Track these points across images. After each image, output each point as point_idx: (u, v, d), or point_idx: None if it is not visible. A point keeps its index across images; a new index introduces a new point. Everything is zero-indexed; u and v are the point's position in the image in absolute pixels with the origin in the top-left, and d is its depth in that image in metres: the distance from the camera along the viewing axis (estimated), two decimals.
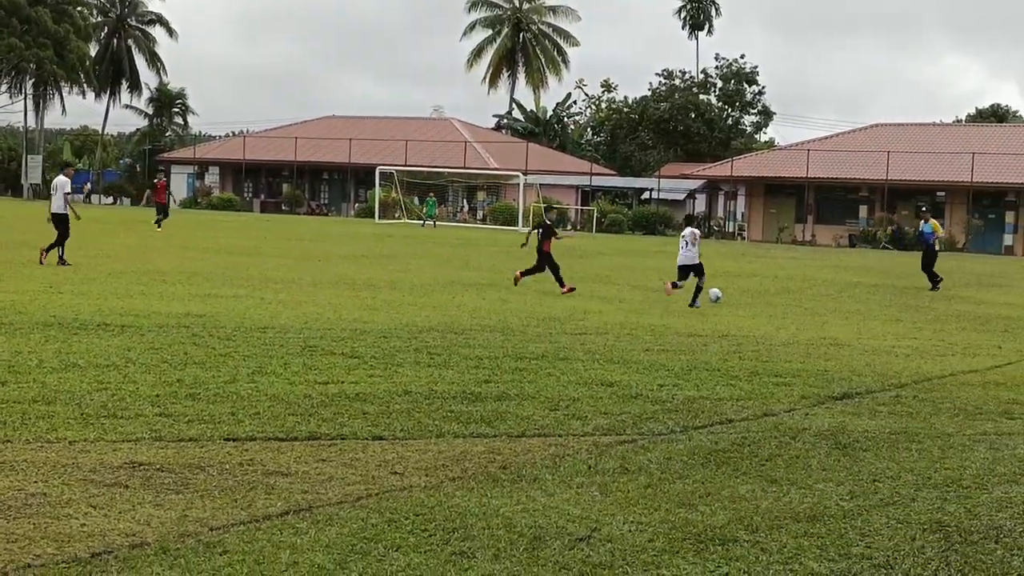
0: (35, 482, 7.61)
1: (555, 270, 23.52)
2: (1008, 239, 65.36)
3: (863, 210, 69.33)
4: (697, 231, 22.39)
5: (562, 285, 23.13)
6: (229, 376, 11.65)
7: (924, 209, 32.93)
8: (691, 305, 21.29)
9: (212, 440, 8.98)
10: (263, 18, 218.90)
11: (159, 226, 41.06)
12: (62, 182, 25.79)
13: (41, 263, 24.12)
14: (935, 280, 29.89)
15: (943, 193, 67.16)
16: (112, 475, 7.85)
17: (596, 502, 7.71)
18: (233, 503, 7.34)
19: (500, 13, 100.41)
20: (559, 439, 9.59)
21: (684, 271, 22.08)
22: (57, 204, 25.45)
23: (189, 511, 7.12)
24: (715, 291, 22.61)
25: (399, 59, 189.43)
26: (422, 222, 63.37)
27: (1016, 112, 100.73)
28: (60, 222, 25.17)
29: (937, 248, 30.93)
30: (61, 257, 24.54)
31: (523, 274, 23.92)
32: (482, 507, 7.45)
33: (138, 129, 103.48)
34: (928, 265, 30.24)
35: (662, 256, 41.18)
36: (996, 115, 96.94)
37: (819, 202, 70.81)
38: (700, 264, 21.97)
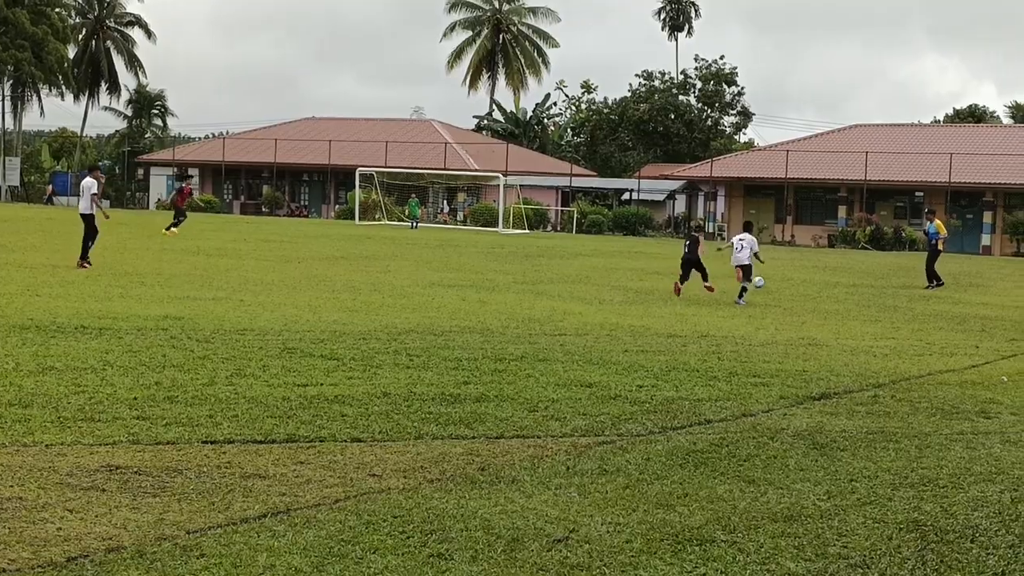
0: (11, 486, 7.57)
1: (703, 271, 24.50)
2: (986, 239, 65.67)
3: (842, 210, 69.55)
4: (754, 238, 24.76)
5: (679, 284, 24.19)
6: (207, 379, 11.63)
7: (928, 211, 34.63)
8: (738, 300, 23.08)
9: (190, 443, 8.96)
10: (244, 19, 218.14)
11: (175, 228, 40.86)
12: (88, 184, 26.10)
13: (85, 265, 24.36)
14: (932, 280, 30.72)
15: (921, 193, 67.45)
16: (89, 479, 7.82)
17: (574, 503, 7.72)
18: (210, 506, 7.32)
19: (480, 14, 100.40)
20: (538, 440, 9.60)
21: (737, 268, 24.06)
22: (84, 205, 25.75)
23: (166, 514, 7.11)
24: (759, 279, 24.66)
25: (381, 60, 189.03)
26: (411, 224, 63.47)
27: (993, 113, 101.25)
28: (86, 222, 25.38)
29: (940, 248, 31.84)
30: (84, 257, 24.78)
31: (679, 285, 24.30)
32: (460, 509, 7.45)
33: (117, 131, 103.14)
34: (930, 264, 31.28)
35: (643, 257, 41.29)
36: (974, 116, 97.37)
37: (798, 202, 71.06)
38: (750, 266, 23.92)
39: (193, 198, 43.82)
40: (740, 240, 24.32)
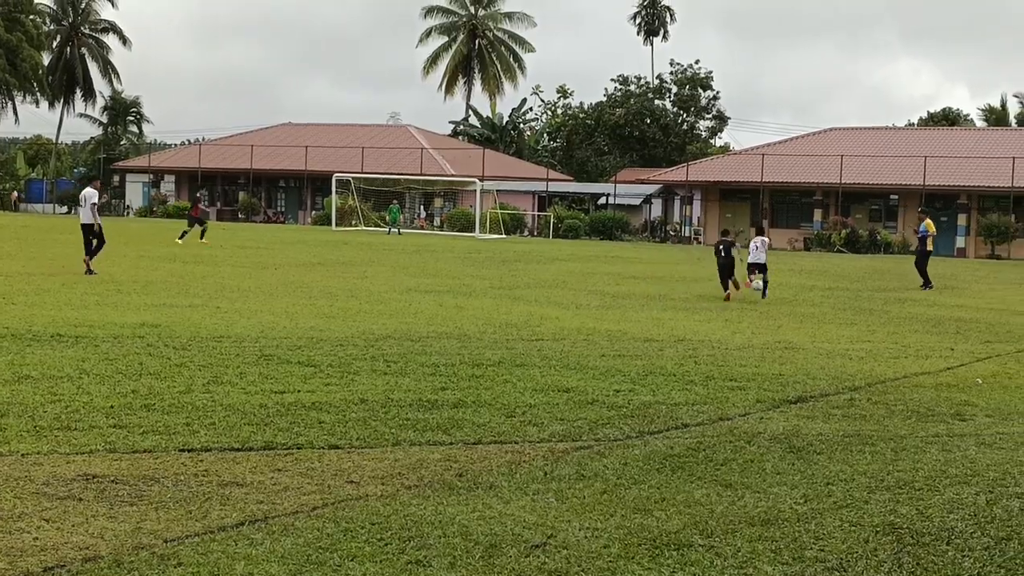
0: None
1: (729, 276, 26.11)
2: (960, 241, 66.03)
3: (817, 214, 69.88)
4: (768, 239, 27.38)
5: (725, 289, 25.91)
6: (184, 386, 11.60)
7: (921, 210, 36.34)
8: (763, 296, 25.62)
9: (167, 451, 8.94)
10: (220, 25, 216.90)
11: (202, 238, 41.80)
12: (89, 194, 26.44)
13: (91, 272, 24.79)
14: (925, 280, 31.65)
15: (896, 197, 67.82)
16: (65, 488, 7.80)
17: (552, 508, 7.73)
18: (188, 515, 7.31)
19: (455, 20, 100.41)
20: (515, 446, 9.61)
21: (752, 268, 26.31)
22: (85, 215, 26.01)
23: (143, 523, 7.09)
24: (759, 282, 26.49)
25: (357, 65, 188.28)
26: (387, 230, 63.67)
27: (967, 116, 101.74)
28: (90, 232, 25.73)
29: (929, 248, 32.84)
30: (88, 265, 25.29)
31: (732, 290, 25.96)
32: (438, 515, 7.46)
33: (92, 138, 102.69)
34: (920, 263, 32.38)
35: (619, 262, 41.34)
36: (947, 119, 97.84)
37: (774, 206, 71.33)
38: (765, 264, 26.33)
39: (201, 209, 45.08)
40: (754, 243, 26.68)
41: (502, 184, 74.94)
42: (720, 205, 73.21)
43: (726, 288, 25.71)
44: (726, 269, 25.92)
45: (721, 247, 26.24)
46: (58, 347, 13.91)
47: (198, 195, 47.83)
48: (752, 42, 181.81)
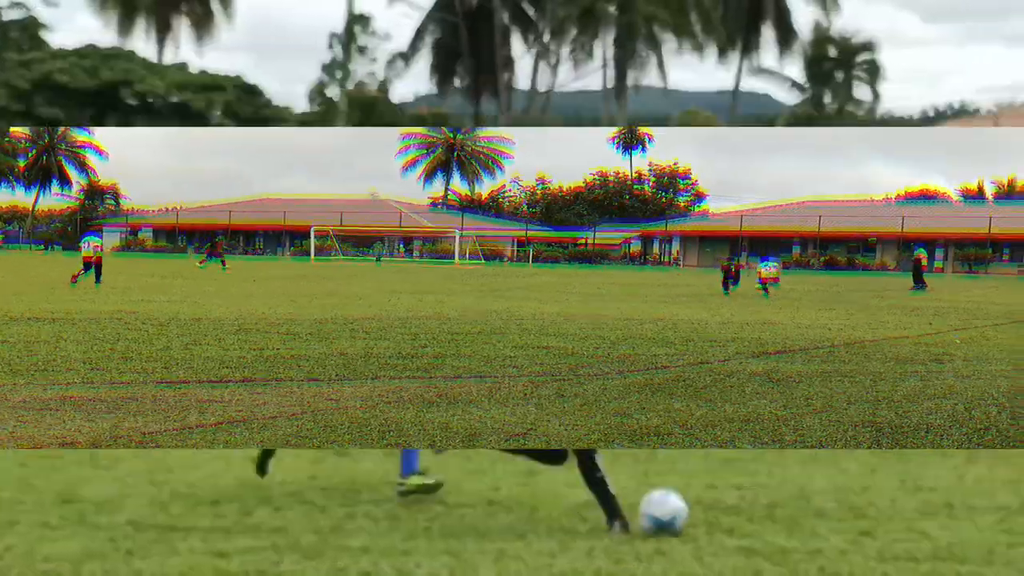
0: None
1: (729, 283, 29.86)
2: (938, 262, 66.64)
3: (796, 251, 70.70)
4: (778, 261, 31.31)
5: (725, 290, 29.24)
6: (163, 345, 11.59)
7: (911, 245, 39.32)
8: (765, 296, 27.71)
9: (145, 384, 8.89)
10: (197, 148, 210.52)
11: (221, 265, 41.89)
12: (91, 237, 27.56)
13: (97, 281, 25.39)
14: (918, 282, 33.32)
15: (875, 238, 68.49)
16: (43, 405, 7.75)
17: (531, 415, 7.71)
18: (166, 418, 7.28)
19: (433, 139, 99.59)
20: (495, 380, 9.59)
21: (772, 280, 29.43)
22: (86, 250, 26.73)
23: (121, 424, 7.06)
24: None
25: (336, 172, 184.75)
26: (374, 259, 64.19)
27: (944, 192, 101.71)
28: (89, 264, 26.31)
29: (924, 264, 35.33)
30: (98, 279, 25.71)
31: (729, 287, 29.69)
32: (418, 419, 7.45)
33: (68, 208, 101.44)
34: (916, 273, 34.59)
35: (599, 275, 41.40)
36: (925, 197, 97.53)
37: (753, 243, 71.78)
38: (777, 278, 29.80)
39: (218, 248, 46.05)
40: (767, 261, 30.17)
41: (481, 228, 75.19)
42: (699, 243, 73.95)
43: (726, 290, 28.89)
44: (729, 278, 29.58)
45: (726, 266, 30.42)
46: (35, 325, 13.85)
47: (217, 239, 49.35)
48: (729, 158, 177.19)
